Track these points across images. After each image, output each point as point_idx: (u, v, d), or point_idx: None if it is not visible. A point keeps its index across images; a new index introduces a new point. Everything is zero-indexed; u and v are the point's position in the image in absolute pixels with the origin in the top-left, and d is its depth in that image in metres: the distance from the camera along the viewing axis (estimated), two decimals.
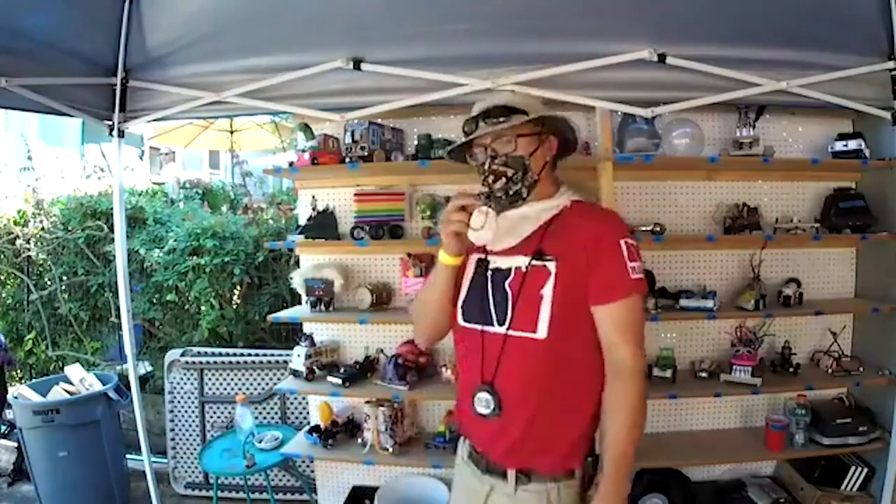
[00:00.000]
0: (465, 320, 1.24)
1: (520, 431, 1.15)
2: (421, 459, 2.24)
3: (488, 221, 1.11)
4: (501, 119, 1.17)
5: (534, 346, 1.13)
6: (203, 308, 3.57)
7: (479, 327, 1.20)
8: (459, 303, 1.26)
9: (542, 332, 1.12)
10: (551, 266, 1.14)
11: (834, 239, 2.25)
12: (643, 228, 2.17)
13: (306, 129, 2.24)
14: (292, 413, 2.94)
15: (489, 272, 1.22)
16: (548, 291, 1.13)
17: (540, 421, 1.15)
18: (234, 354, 3.07)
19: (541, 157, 1.20)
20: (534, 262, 1.16)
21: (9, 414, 2.81)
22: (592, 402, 1.17)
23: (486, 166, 1.17)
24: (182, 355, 3.06)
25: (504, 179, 1.15)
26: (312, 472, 2.69)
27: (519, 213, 1.19)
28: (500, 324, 1.17)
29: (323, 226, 2.26)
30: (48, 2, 1.90)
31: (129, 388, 2.50)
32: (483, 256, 1.24)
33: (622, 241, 1.13)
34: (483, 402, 1.17)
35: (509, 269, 1.19)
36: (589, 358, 1.15)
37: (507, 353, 1.15)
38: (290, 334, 3.51)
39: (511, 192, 1.16)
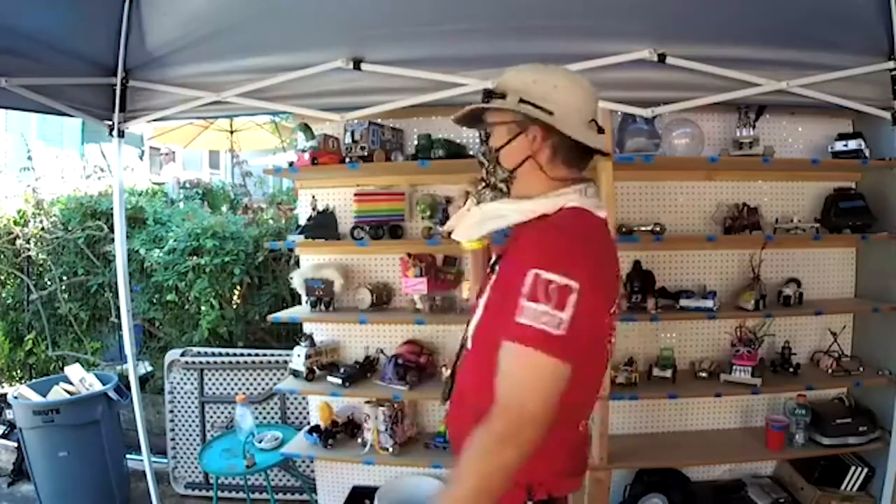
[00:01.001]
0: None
1: (455, 441, 1.08)
2: (421, 459, 2.24)
3: (464, 211, 1.13)
4: (482, 102, 1.06)
5: (467, 354, 1.10)
6: (203, 308, 3.57)
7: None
8: None
9: (470, 342, 1.08)
10: (493, 279, 1.07)
11: (834, 239, 2.25)
12: (643, 228, 2.17)
13: (306, 129, 2.24)
14: (292, 413, 2.94)
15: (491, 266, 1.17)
16: (482, 304, 1.07)
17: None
18: (234, 354, 3.07)
19: (518, 151, 1.04)
20: (492, 268, 1.10)
21: (9, 414, 2.80)
22: None
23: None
24: (182, 355, 3.05)
25: (483, 169, 1.10)
26: (312, 472, 2.69)
27: (491, 208, 1.09)
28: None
29: (323, 226, 2.26)
30: (48, 2, 1.89)
31: (129, 388, 2.50)
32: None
33: (531, 272, 0.89)
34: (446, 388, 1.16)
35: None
36: None
37: (466, 351, 1.11)
38: (290, 334, 3.51)
39: (489, 184, 1.10)
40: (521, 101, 1.01)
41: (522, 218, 1.02)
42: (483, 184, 1.11)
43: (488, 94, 1.06)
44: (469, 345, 1.07)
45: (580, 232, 0.97)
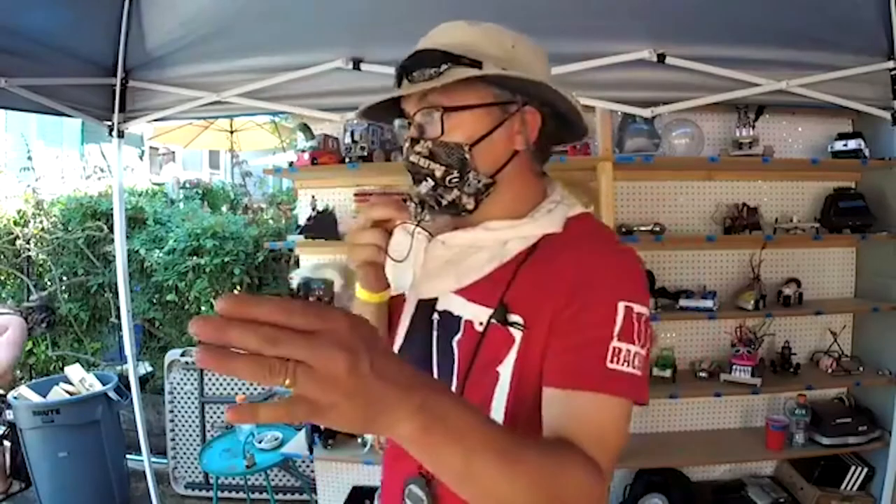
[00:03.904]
0: None
1: None
2: None
3: (412, 250, 0.70)
4: (431, 73, 0.71)
5: None
6: (203, 308, 3.58)
7: None
8: None
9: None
10: (516, 333, 0.71)
11: (834, 239, 2.25)
12: (643, 228, 2.17)
13: (306, 129, 2.24)
14: None
15: (435, 316, 0.79)
16: (506, 371, 0.72)
17: None
18: None
19: (503, 145, 0.73)
20: (494, 320, 0.73)
21: (8, 414, 2.80)
22: None
23: (403, 156, 0.74)
24: (182, 355, 3.05)
25: (430, 181, 0.72)
26: (312, 472, 2.69)
27: (468, 239, 0.75)
28: None
29: (323, 226, 2.26)
30: (48, 2, 1.89)
31: (129, 388, 2.50)
32: None
33: (621, 304, 0.67)
34: (414, 499, 0.76)
35: (459, 321, 0.76)
36: None
37: None
38: None
39: (444, 202, 0.72)
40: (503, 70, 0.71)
41: (524, 246, 0.73)
42: (442, 202, 0.72)
43: (450, 60, 0.71)
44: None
45: (629, 248, 0.74)
